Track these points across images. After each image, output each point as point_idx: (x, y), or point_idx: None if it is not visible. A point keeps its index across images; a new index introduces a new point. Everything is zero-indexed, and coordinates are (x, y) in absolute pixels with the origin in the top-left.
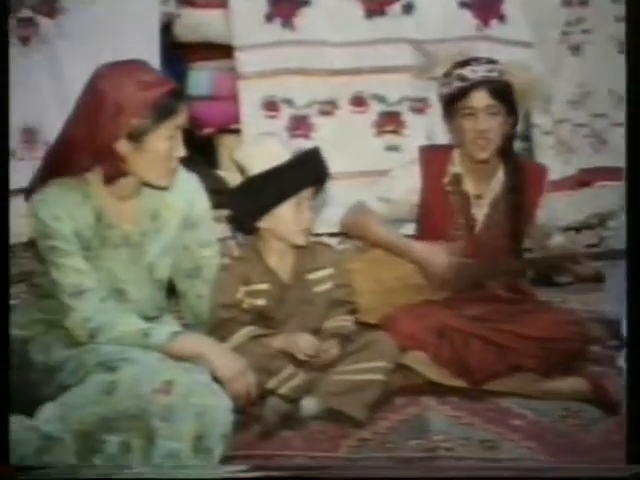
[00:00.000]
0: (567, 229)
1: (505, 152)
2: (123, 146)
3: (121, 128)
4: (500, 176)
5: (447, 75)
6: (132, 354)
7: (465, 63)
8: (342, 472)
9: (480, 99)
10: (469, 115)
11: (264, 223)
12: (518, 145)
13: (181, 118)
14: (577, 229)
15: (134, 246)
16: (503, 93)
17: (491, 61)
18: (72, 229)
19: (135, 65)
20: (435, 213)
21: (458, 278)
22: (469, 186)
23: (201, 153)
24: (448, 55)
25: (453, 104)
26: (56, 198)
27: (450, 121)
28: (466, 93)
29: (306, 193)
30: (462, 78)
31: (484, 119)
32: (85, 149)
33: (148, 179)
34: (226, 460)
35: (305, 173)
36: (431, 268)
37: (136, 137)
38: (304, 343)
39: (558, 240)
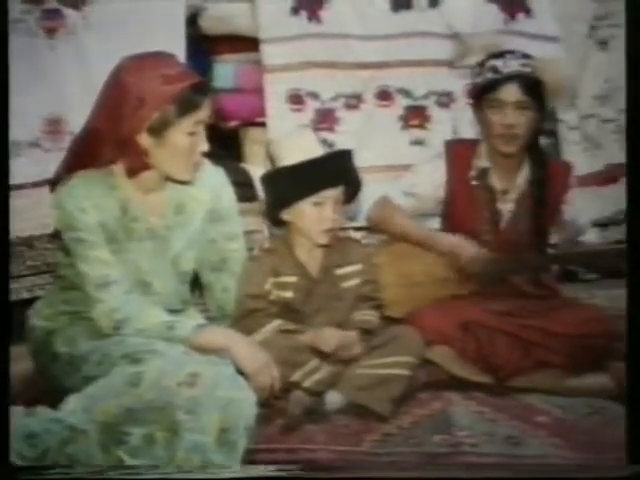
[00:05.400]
0: (594, 225)
1: (531, 148)
2: (145, 139)
3: (143, 121)
4: (526, 171)
5: (480, 65)
6: (157, 346)
7: (499, 55)
8: (365, 467)
9: (510, 93)
10: (497, 108)
11: (287, 216)
12: (544, 140)
13: (204, 113)
14: (604, 225)
15: (159, 239)
16: (534, 89)
17: (525, 56)
18: (98, 221)
19: (159, 58)
20: (460, 207)
21: (484, 273)
22: (495, 181)
23: (226, 146)
24: (483, 45)
25: (483, 96)
26: (82, 190)
27: (478, 113)
28: (497, 86)
29: (331, 194)
30: (494, 70)
31: (512, 114)
32: (108, 141)
33: (170, 173)
34: (249, 453)
35: (328, 173)
36: (459, 259)
37: (158, 131)
38: (327, 337)
39: (591, 236)
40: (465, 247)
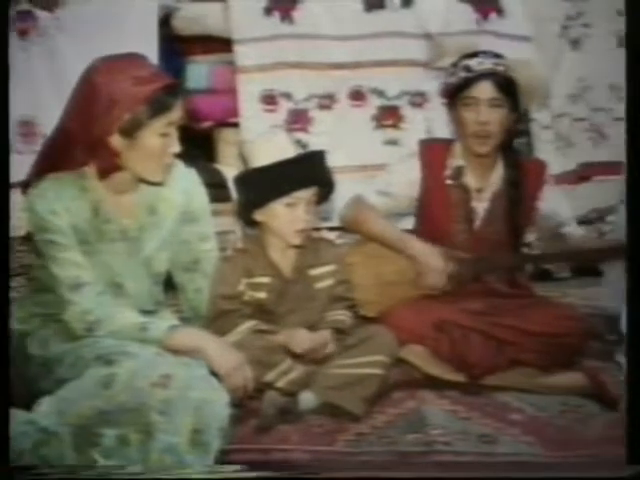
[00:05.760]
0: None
1: (505, 147)
2: (116, 141)
3: (114, 123)
4: (500, 170)
5: (454, 65)
6: (130, 348)
7: (473, 55)
8: (339, 467)
9: (484, 90)
10: (471, 106)
11: (260, 216)
12: (517, 140)
13: (176, 114)
14: (579, 224)
15: (131, 240)
16: (508, 87)
17: (498, 55)
18: (69, 223)
19: (131, 59)
20: (435, 207)
21: (457, 273)
22: (470, 179)
23: (199, 147)
24: (457, 46)
25: (457, 94)
26: (53, 192)
27: (452, 112)
28: (470, 84)
29: (304, 194)
30: (468, 69)
31: (486, 111)
32: (80, 143)
33: (142, 174)
34: (223, 454)
35: (301, 174)
36: (424, 268)
37: (129, 132)
38: (300, 338)
39: (575, 231)
40: (433, 257)
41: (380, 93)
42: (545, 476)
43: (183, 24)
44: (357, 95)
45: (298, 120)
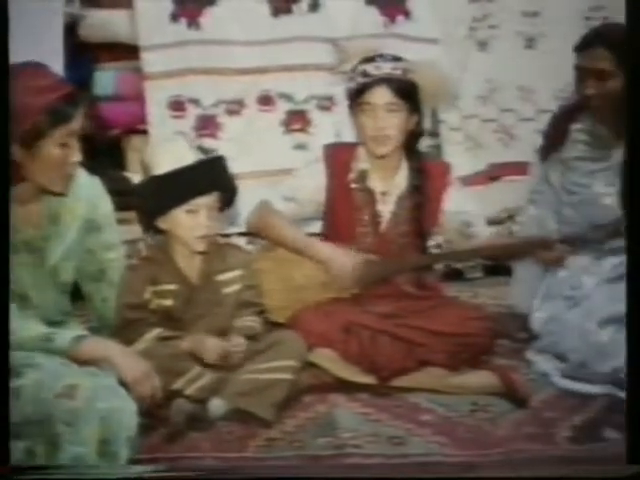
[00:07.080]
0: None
1: (409, 149)
2: (16, 152)
3: (13, 133)
4: (404, 173)
5: (352, 70)
6: (35, 359)
7: (370, 59)
8: (250, 472)
9: (380, 96)
10: (368, 111)
11: (163, 224)
12: (426, 141)
13: (77, 124)
14: (488, 224)
15: (36, 250)
16: (405, 91)
17: (397, 58)
18: None
19: (31, 68)
20: (341, 210)
21: (365, 275)
22: (374, 183)
23: (109, 154)
24: (359, 50)
25: (355, 100)
26: None
27: (353, 117)
28: (367, 89)
29: (205, 201)
30: (365, 74)
31: (383, 116)
32: None
33: (43, 184)
34: (132, 463)
35: (200, 180)
36: (334, 270)
37: (29, 143)
38: (211, 346)
39: (484, 231)
40: (340, 257)
41: (288, 98)
42: (544, 475)
43: (90, 31)
44: (265, 100)
45: (206, 126)
